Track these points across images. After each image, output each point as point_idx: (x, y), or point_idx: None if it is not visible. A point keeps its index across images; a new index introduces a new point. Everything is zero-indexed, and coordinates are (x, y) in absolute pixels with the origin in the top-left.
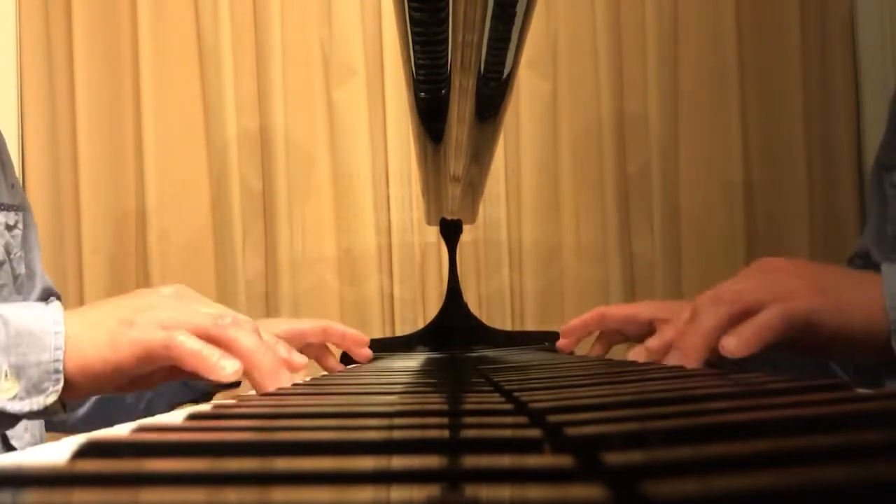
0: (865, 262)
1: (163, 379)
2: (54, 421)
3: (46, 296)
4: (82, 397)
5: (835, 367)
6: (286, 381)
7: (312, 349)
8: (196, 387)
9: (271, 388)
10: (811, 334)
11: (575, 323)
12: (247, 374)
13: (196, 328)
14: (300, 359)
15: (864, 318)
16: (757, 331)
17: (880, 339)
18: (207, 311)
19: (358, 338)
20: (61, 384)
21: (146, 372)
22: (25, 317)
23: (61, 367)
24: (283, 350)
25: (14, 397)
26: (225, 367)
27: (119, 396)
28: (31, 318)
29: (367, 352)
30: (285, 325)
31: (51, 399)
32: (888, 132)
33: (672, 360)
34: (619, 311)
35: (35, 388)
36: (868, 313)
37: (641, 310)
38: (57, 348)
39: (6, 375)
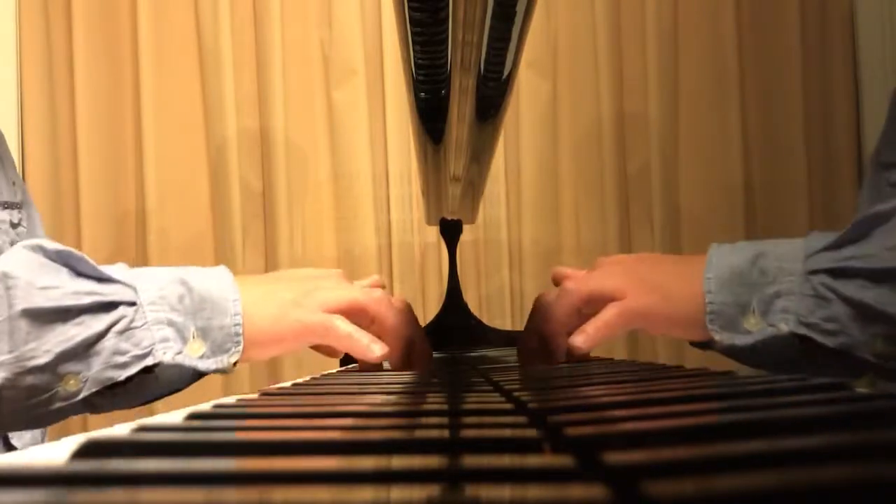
0: None
1: (323, 353)
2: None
3: None
4: (246, 360)
5: None
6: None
7: None
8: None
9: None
10: (647, 325)
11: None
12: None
13: (349, 302)
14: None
15: (688, 306)
16: (598, 329)
17: (703, 324)
18: (362, 287)
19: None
20: (241, 346)
21: (301, 347)
22: (206, 283)
23: (241, 331)
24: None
25: (202, 356)
26: (374, 350)
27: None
28: (212, 284)
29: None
30: None
31: (233, 358)
32: (887, 130)
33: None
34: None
35: (219, 349)
36: (691, 301)
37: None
38: (236, 313)
39: (194, 336)
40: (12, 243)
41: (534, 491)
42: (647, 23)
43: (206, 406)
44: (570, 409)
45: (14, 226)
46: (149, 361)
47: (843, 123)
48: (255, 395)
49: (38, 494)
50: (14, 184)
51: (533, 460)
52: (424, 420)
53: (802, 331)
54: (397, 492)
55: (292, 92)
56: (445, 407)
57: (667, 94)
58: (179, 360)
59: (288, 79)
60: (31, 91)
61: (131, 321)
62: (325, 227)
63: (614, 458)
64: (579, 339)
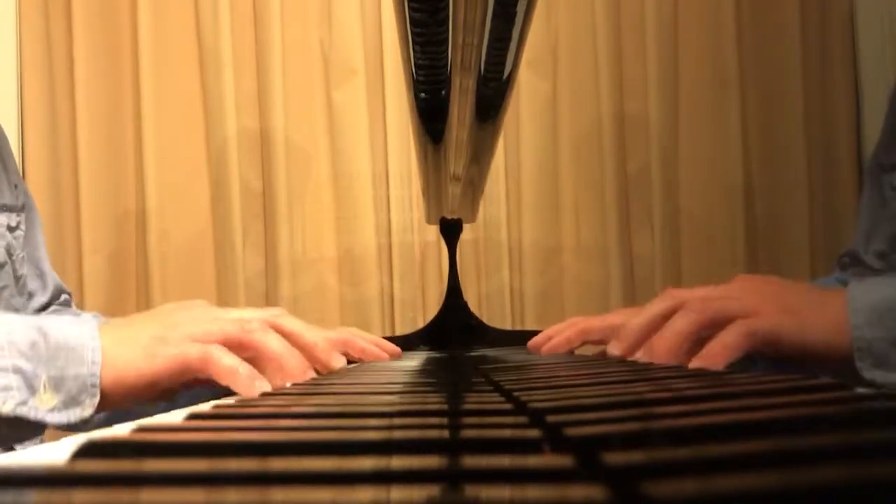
0: (853, 260)
1: (188, 387)
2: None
3: (58, 293)
4: (113, 408)
5: None
6: (310, 375)
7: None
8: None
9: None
10: (774, 351)
11: (558, 341)
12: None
13: (226, 337)
14: (338, 361)
15: (826, 336)
16: (722, 350)
17: (842, 357)
18: (233, 318)
19: (379, 352)
20: (98, 397)
21: (178, 384)
22: (63, 330)
23: (98, 381)
24: (322, 351)
25: (53, 409)
26: (257, 388)
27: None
28: (70, 331)
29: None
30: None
31: (87, 412)
32: (886, 133)
33: (643, 357)
34: (600, 323)
35: (73, 401)
36: (831, 332)
37: (623, 320)
38: (94, 362)
39: (45, 387)
40: (8, 246)
41: (534, 491)
42: (647, 23)
43: (206, 406)
44: (570, 409)
45: (11, 229)
46: None
47: (843, 123)
48: (256, 396)
49: (38, 494)
50: (16, 187)
51: (533, 460)
52: (424, 420)
53: None
54: (397, 492)
55: (292, 92)
56: (445, 407)
57: (667, 94)
58: (22, 412)
59: (288, 79)
60: (31, 91)
61: None
62: (325, 227)
63: (614, 458)
64: (700, 366)
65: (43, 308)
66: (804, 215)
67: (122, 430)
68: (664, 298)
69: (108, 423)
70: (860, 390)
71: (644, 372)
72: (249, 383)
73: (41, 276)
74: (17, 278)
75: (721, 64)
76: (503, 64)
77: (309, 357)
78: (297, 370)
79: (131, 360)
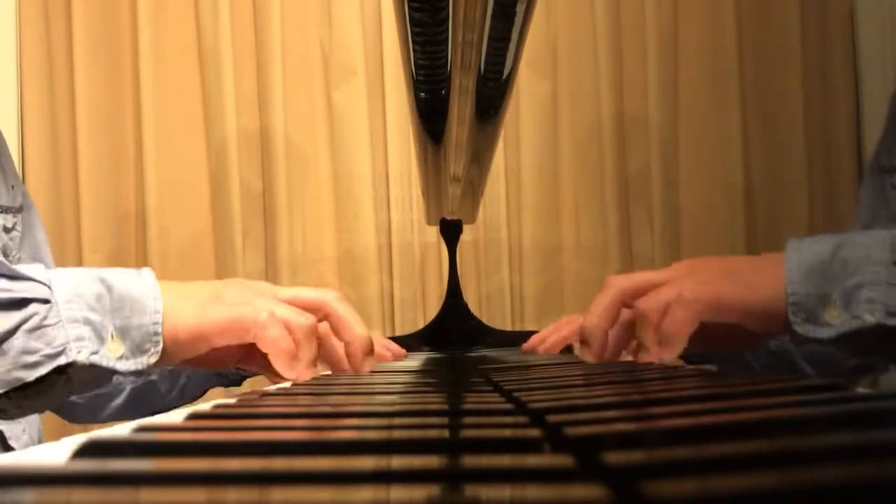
0: None
1: (237, 362)
2: (79, 416)
3: None
4: (169, 362)
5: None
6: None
7: None
8: (228, 373)
9: (358, 370)
10: (720, 315)
11: (555, 340)
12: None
13: (279, 318)
14: (367, 365)
15: (766, 295)
16: (675, 326)
17: (783, 316)
18: (286, 296)
19: (387, 354)
20: (161, 346)
21: (226, 345)
22: (126, 282)
23: (160, 330)
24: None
25: (121, 357)
26: (292, 369)
27: (153, 385)
28: (132, 283)
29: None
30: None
31: (152, 359)
32: (887, 134)
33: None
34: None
35: (138, 349)
36: (771, 291)
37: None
38: (156, 312)
39: (112, 337)
40: (4, 248)
41: (534, 491)
42: (647, 23)
43: (206, 406)
44: (570, 409)
45: (7, 230)
46: (61, 361)
47: (843, 124)
48: (256, 396)
49: (38, 494)
50: (13, 188)
51: (533, 460)
52: (424, 420)
53: (892, 322)
54: (397, 492)
55: (292, 92)
56: (445, 407)
57: (667, 94)
58: (95, 360)
59: (288, 79)
60: (31, 91)
61: (44, 318)
62: (325, 227)
63: (614, 458)
64: (665, 354)
65: None
66: (804, 215)
67: (122, 430)
68: (604, 288)
69: (124, 411)
70: (860, 390)
71: (644, 372)
72: (288, 358)
73: None
74: None
75: (721, 64)
76: (503, 63)
77: (348, 353)
78: (365, 349)
79: (185, 313)
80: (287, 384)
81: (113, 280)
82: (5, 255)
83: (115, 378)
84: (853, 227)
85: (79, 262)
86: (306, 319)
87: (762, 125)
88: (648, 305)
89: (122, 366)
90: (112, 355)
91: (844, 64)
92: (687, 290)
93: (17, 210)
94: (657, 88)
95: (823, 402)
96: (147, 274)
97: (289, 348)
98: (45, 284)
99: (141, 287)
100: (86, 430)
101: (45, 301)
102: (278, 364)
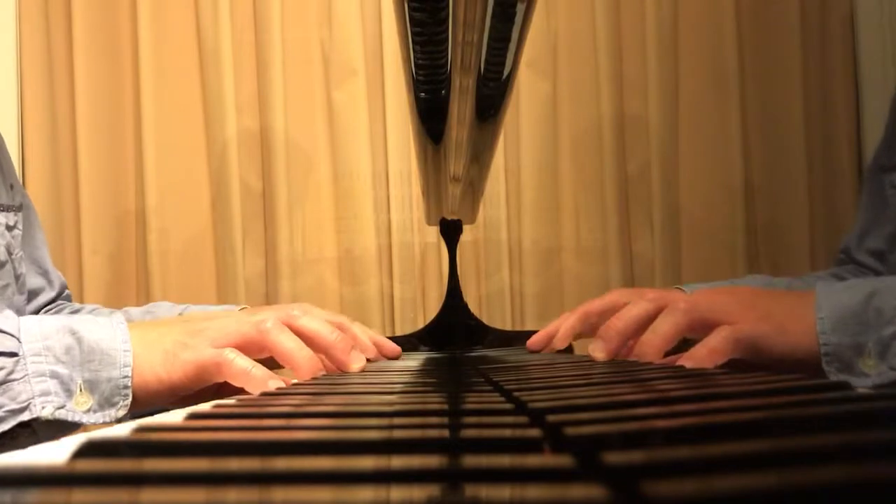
0: (847, 256)
1: (212, 394)
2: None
3: (63, 290)
4: (140, 409)
5: None
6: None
7: None
8: None
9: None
10: (753, 357)
11: (564, 332)
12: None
13: (243, 337)
14: (358, 362)
15: (801, 343)
16: (708, 354)
17: (815, 362)
18: (250, 320)
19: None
20: (130, 399)
21: (196, 389)
22: (96, 333)
23: (130, 383)
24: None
25: (88, 410)
26: (271, 387)
27: None
28: (103, 334)
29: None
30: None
31: (121, 412)
32: (887, 134)
33: (632, 357)
34: (600, 302)
35: (107, 402)
36: (805, 338)
37: (617, 298)
38: (125, 365)
39: (80, 390)
40: (7, 246)
41: (534, 491)
42: (647, 23)
43: (206, 406)
44: (570, 409)
45: (9, 228)
46: (24, 417)
47: (843, 123)
48: (256, 396)
49: (38, 494)
50: (12, 187)
51: (533, 460)
52: (424, 420)
53: None
54: (397, 492)
55: (292, 92)
56: (445, 407)
57: (667, 94)
58: (61, 415)
59: (288, 79)
60: (31, 91)
61: (9, 373)
62: (325, 227)
63: (614, 458)
64: (687, 366)
65: (50, 303)
66: (804, 215)
67: (122, 430)
68: (645, 299)
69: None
70: (860, 390)
71: (644, 372)
72: (262, 384)
73: (45, 273)
74: (17, 277)
75: (721, 64)
76: (503, 63)
77: (329, 357)
78: (308, 369)
79: (153, 365)
80: (278, 380)
81: (83, 332)
82: (9, 254)
83: None
84: (854, 227)
85: (78, 263)
86: (272, 321)
87: (762, 125)
88: (691, 312)
89: (90, 418)
90: (80, 408)
91: (844, 64)
92: (734, 323)
93: (17, 208)
94: (657, 88)
95: (823, 402)
96: (118, 324)
97: (260, 375)
98: (13, 336)
99: (111, 339)
100: (86, 430)
101: (13, 354)
102: (254, 391)
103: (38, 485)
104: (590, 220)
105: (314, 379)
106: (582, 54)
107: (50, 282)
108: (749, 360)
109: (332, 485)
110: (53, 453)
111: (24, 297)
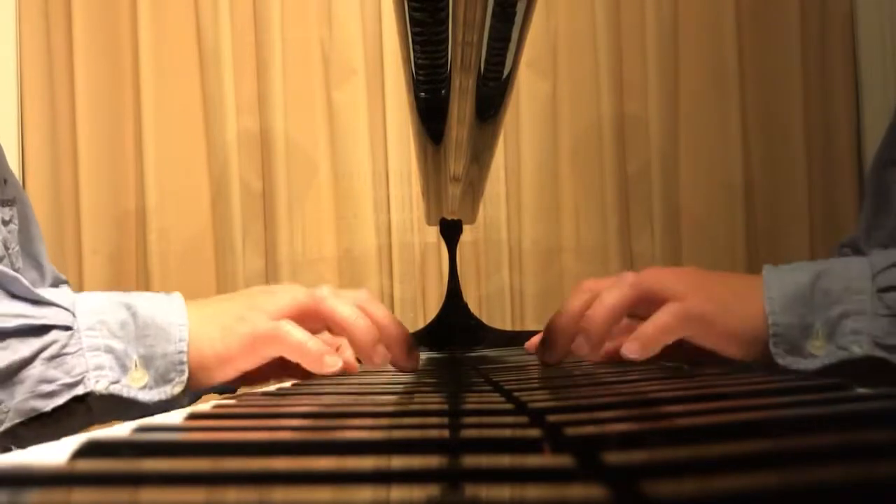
0: (855, 252)
1: (275, 376)
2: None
3: (56, 284)
4: (197, 388)
5: None
6: (381, 354)
7: None
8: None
9: (372, 361)
10: (702, 334)
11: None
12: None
13: (299, 306)
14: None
15: (749, 324)
16: (655, 330)
17: (763, 345)
18: (306, 290)
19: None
20: (186, 375)
21: (256, 365)
22: (152, 308)
23: (185, 359)
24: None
25: (144, 386)
26: (328, 364)
27: None
28: (158, 309)
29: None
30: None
31: (177, 389)
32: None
33: (578, 344)
34: (580, 306)
35: (162, 379)
36: (753, 320)
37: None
38: (181, 340)
39: (136, 366)
40: (4, 241)
41: (534, 491)
42: (647, 23)
43: (206, 406)
44: (570, 409)
45: (5, 223)
46: (79, 391)
47: (843, 123)
48: (256, 396)
49: (38, 494)
50: (6, 181)
51: (533, 460)
52: (424, 420)
53: (880, 353)
54: (397, 492)
55: (292, 92)
56: (445, 407)
57: (667, 94)
58: (115, 390)
59: (288, 79)
60: (31, 91)
61: (64, 346)
62: (325, 227)
63: (614, 458)
64: (633, 348)
65: None
66: (804, 215)
67: (122, 430)
68: (590, 288)
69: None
70: (860, 390)
71: (644, 372)
72: (318, 358)
73: (39, 267)
74: (15, 272)
75: (721, 64)
76: (503, 63)
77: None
78: (367, 338)
79: (210, 340)
80: (287, 384)
81: (138, 306)
82: (5, 249)
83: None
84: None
85: (78, 263)
86: (327, 289)
87: (762, 125)
88: (638, 285)
89: (145, 395)
90: (135, 385)
91: (844, 64)
92: (682, 300)
93: (10, 203)
94: (657, 88)
95: (823, 402)
96: (176, 299)
97: (316, 348)
98: (68, 310)
99: (167, 313)
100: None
101: (67, 328)
102: (310, 366)
103: (38, 485)
104: (590, 220)
105: (314, 379)
106: (582, 54)
107: (42, 276)
108: (698, 341)
109: (332, 485)
110: (53, 453)
111: None
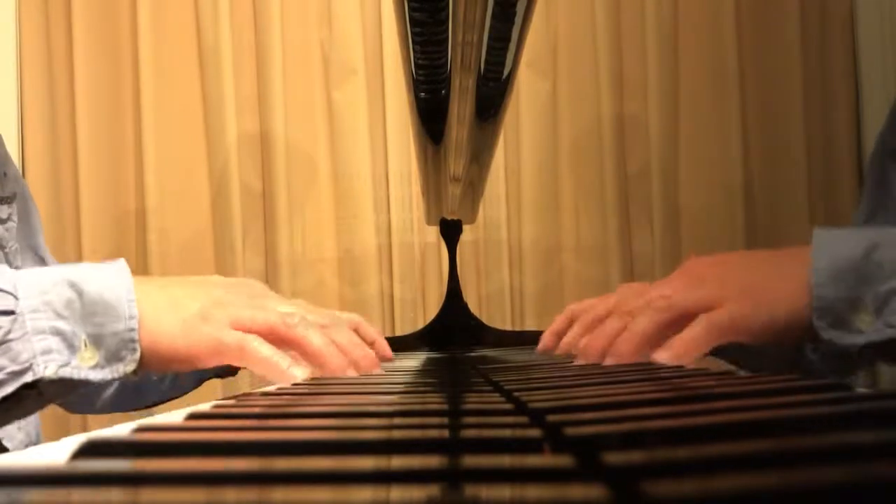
0: None
1: (223, 370)
2: (75, 406)
3: None
4: (150, 371)
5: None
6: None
7: None
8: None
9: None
10: (743, 338)
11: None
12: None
13: (267, 327)
14: (371, 368)
15: (789, 307)
16: (685, 346)
17: (808, 321)
18: (278, 310)
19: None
20: (138, 353)
21: (215, 367)
22: (98, 284)
23: (136, 336)
24: (358, 348)
25: (95, 366)
26: (295, 375)
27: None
28: (105, 285)
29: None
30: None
31: (129, 367)
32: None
33: (609, 361)
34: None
35: (114, 357)
36: (794, 302)
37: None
38: (131, 317)
39: (85, 345)
40: (1, 238)
41: (534, 491)
42: (647, 23)
43: (206, 406)
44: (570, 409)
45: (2, 221)
46: (27, 378)
47: (843, 123)
48: (256, 395)
49: (38, 494)
50: (5, 174)
51: (533, 460)
52: (424, 420)
53: None
54: (397, 492)
55: (292, 92)
56: (445, 407)
57: (666, 94)
58: (65, 373)
59: (288, 79)
60: (31, 91)
61: (7, 332)
62: (325, 227)
63: (614, 458)
64: (662, 359)
65: None
66: (804, 215)
67: (121, 430)
68: (621, 310)
69: (118, 402)
70: (860, 390)
71: (644, 372)
72: (284, 371)
73: (42, 262)
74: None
75: (721, 64)
76: (503, 63)
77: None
78: (338, 369)
79: (169, 331)
80: (306, 370)
81: (84, 283)
82: (2, 247)
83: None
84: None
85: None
86: (298, 317)
87: (762, 125)
88: (669, 309)
89: (97, 375)
90: (85, 364)
91: (844, 64)
92: (712, 307)
93: (9, 200)
94: (657, 88)
95: (823, 402)
96: (122, 272)
97: (285, 363)
98: (10, 293)
99: (115, 289)
100: (86, 430)
101: (10, 312)
102: (277, 379)
103: (38, 485)
104: (590, 220)
105: (314, 379)
106: (582, 54)
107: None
108: (738, 340)
109: (332, 485)
110: (53, 453)
111: None
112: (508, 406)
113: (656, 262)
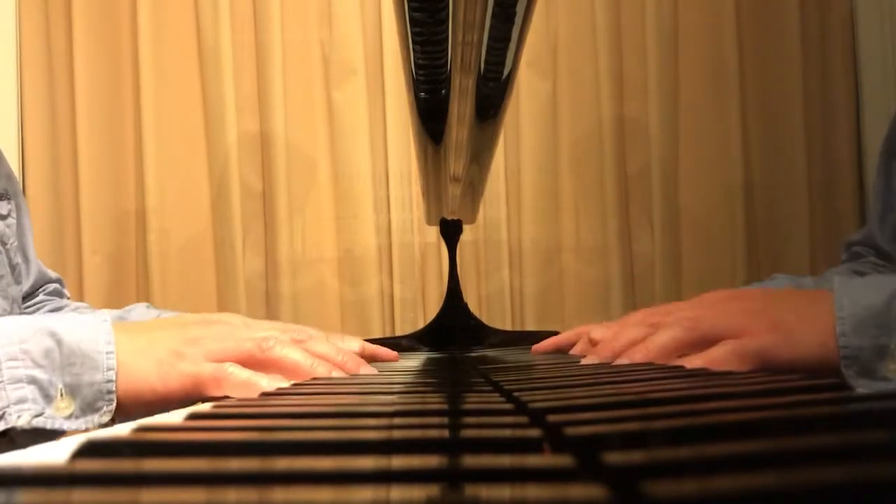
0: (866, 248)
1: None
2: None
3: (42, 282)
4: (127, 417)
5: None
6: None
7: None
8: None
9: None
10: (763, 367)
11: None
12: None
13: (242, 355)
14: (358, 368)
15: (815, 349)
16: (709, 364)
17: (833, 366)
18: (252, 336)
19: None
20: (114, 404)
21: (192, 401)
22: (77, 333)
23: (114, 388)
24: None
25: (70, 416)
26: (274, 388)
27: None
28: (83, 335)
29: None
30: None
31: (105, 418)
32: None
33: (617, 363)
34: (606, 332)
35: (90, 407)
36: (820, 343)
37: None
38: (109, 369)
39: (61, 394)
40: (1, 235)
41: (534, 491)
42: (647, 23)
43: (206, 406)
44: (570, 409)
45: (3, 217)
46: (0, 427)
47: (843, 123)
48: (256, 396)
49: (38, 494)
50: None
51: (533, 460)
52: (424, 420)
53: None
54: (397, 492)
55: (292, 92)
56: (445, 407)
57: (667, 94)
58: (38, 423)
59: (288, 79)
60: (31, 91)
61: None
62: (325, 227)
63: (614, 458)
64: None
65: (27, 296)
66: (804, 215)
67: (122, 430)
68: (647, 322)
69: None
70: (860, 390)
71: (644, 372)
72: (267, 389)
73: (26, 261)
74: (13, 267)
75: (721, 64)
76: (503, 63)
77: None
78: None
79: (145, 375)
80: (287, 384)
81: (63, 333)
82: (3, 244)
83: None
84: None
85: (78, 263)
86: (274, 339)
87: (762, 125)
88: (694, 329)
89: (71, 424)
90: (60, 414)
91: (844, 64)
92: (739, 336)
93: (8, 196)
94: (657, 88)
95: (823, 402)
96: (101, 324)
97: (265, 382)
98: None
99: (94, 341)
100: (85, 430)
101: None
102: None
103: (38, 485)
104: (590, 220)
105: (314, 379)
106: (582, 54)
107: (28, 271)
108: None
109: (332, 485)
110: (53, 453)
111: (21, 287)
112: (508, 406)
113: (656, 262)
